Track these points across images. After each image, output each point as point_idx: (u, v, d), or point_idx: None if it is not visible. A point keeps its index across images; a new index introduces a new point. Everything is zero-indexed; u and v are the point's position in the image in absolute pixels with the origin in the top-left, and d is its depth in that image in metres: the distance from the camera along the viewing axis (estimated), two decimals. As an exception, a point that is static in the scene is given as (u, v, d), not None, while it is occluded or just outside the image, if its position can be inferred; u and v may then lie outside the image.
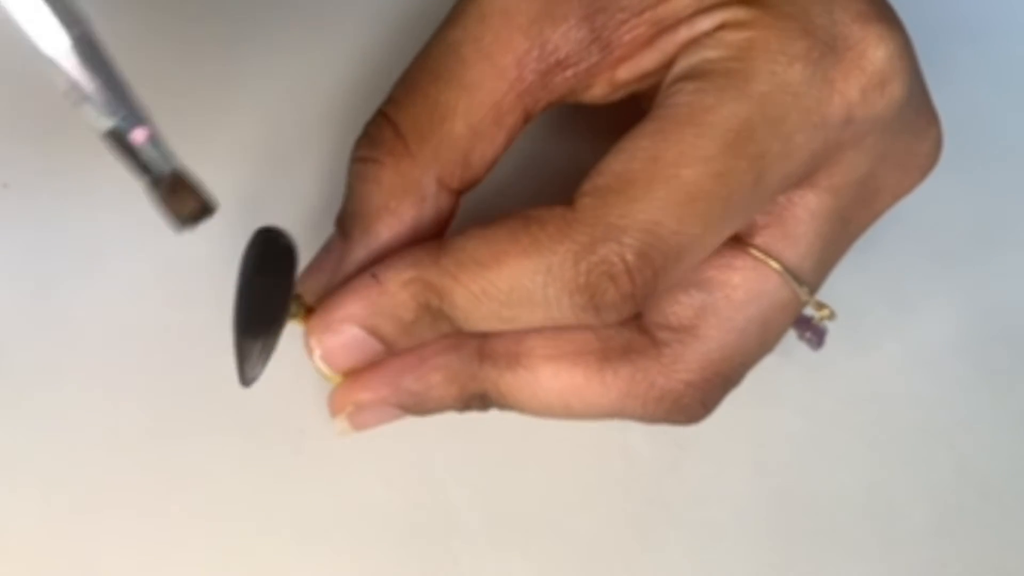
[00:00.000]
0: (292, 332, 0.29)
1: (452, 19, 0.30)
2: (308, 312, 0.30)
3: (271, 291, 0.28)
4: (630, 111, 0.32)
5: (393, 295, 0.28)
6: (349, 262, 0.30)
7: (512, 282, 0.27)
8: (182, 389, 0.33)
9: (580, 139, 0.35)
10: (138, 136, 0.24)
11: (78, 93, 0.23)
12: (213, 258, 0.33)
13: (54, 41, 0.22)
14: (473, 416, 0.31)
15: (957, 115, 0.31)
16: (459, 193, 0.30)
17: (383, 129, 0.30)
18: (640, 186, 0.27)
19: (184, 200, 0.25)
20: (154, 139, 0.24)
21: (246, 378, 0.28)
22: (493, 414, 0.31)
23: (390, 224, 0.29)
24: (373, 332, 0.29)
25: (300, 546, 0.33)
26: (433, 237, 0.30)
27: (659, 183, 0.27)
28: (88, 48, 0.22)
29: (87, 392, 0.33)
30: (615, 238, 0.27)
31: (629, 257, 0.27)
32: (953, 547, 0.34)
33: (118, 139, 0.24)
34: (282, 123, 0.36)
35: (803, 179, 0.29)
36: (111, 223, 0.34)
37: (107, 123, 0.23)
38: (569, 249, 0.27)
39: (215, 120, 0.35)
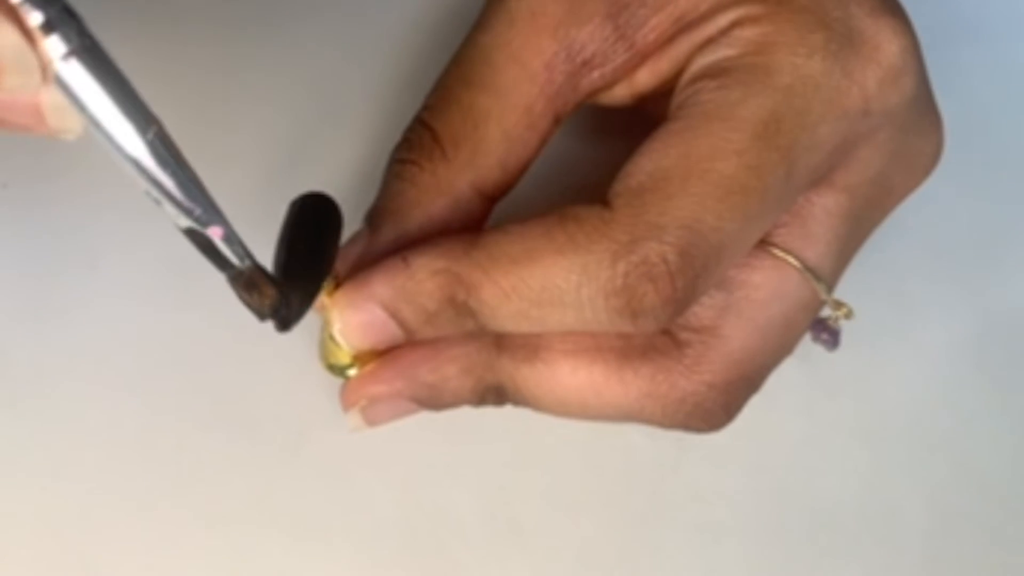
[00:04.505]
0: (293, 334, 0.29)
1: (482, 23, 0.30)
2: (336, 286, 0.30)
3: (316, 243, 0.28)
4: (645, 114, 0.32)
5: (420, 282, 0.28)
6: (375, 254, 0.29)
7: (544, 280, 0.27)
8: (182, 389, 0.33)
9: (596, 140, 0.35)
10: (214, 233, 0.24)
11: (156, 193, 0.23)
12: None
13: (131, 144, 0.22)
14: (473, 415, 0.31)
15: (958, 116, 0.31)
16: (493, 200, 0.30)
17: (421, 135, 0.30)
18: (676, 183, 0.27)
19: (261, 294, 0.26)
20: (228, 237, 0.25)
21: (284, 325, 0.28)
22: (493, 414, 0.31)
23: (421, 223, 0.29)
24: (395, 316, 0.29)
25: (300, 546, 0.33)
26: None
27: (695, 178, 0.27)
28: (163, 149, 0.23)
29: (87, 392, 0.33)
30: (655, 236, 0.26)
31: (671, 257, 0.26)
32: (953, 547, 0.34)
33: (197, 236, 0.24)
34: (302, 123, 0.36)
35: (823, 176, 0.29)
36: (111, 223, 0.34)
37: (185, 221, 0.24)
38: (607, 248, 0.27)
39: (235, 119, 0.35)
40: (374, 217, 0.30)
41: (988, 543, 0.34)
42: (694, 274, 0.27)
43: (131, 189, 0.34)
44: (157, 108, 0.33)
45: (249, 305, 0.26)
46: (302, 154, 0.36)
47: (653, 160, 0.27)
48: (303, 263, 0.28)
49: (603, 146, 0.35)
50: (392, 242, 0.29)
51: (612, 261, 0.27)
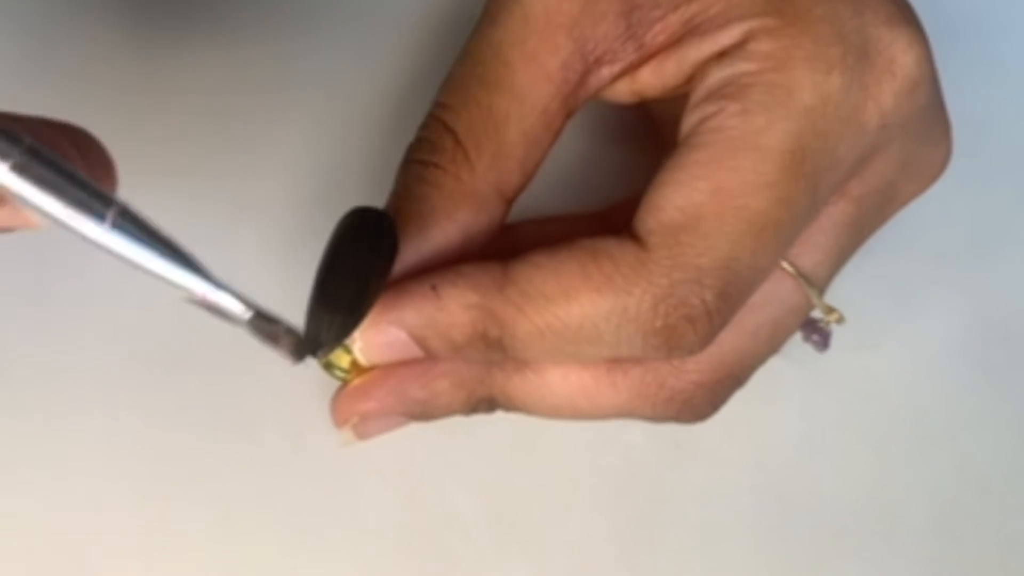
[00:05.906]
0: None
1: (494, 19, 0.30)
2: None
3: (365, 269, 0.27)
4: (644, 111, 0.32)
5: (451, 315, 0.28)
6: (401, 263, 0.29)
7: (583, 320, 0.27)
8: (182, 389, 0.33)
9: (594, 138, 0.35)
10: (202, 299, 0.24)
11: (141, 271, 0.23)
12: (214, 259, 0.33)
13: (95, 233, 0.23)
14: (474, 416, 0.31)
15: (958, 116, 0.31)
16: (511, 202, 0.30)
17: (442, 136, 0.29)
18: (711, 221, 0.27)
19: (278, 341, 0.25)
20: (219, 296, 0.24)
21: (313, 351, 0.26)
22: (494, 415, 0.31)
23: (445, 229, 0.29)
24: (421, 343, 0.29)
25: (300, 546, 0.33)
26: (482, 245, 0.29)
27: (729, 216, 0.27)
28: (128, 230, 0.23)
29: (87, 392, 0.33)
30: (696, 279, 0.27)
31: (709, 298, 0.27)
32: (953, 547, 0.34)
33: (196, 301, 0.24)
34: (304, 124, 0.36)
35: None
36: (111, 223, 0.34)
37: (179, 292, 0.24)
38: (647, 291, 0.27)
39: (234, 119, 0.35)
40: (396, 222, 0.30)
41: (988, 543, 0.34)
42: (729, 309, 0.27)
43: (131, 190, 0.34)
44: (159, 117, 0.33)
45: (276, 350, 0.26)
46: (304, 155, 0.35)
47: (683, 195, 0.27)
48: (345, 289, 0.26)
49: (600, 144, 0.35)
50: (417, 250, 0.29)
51: (653, 304, 0.27)
